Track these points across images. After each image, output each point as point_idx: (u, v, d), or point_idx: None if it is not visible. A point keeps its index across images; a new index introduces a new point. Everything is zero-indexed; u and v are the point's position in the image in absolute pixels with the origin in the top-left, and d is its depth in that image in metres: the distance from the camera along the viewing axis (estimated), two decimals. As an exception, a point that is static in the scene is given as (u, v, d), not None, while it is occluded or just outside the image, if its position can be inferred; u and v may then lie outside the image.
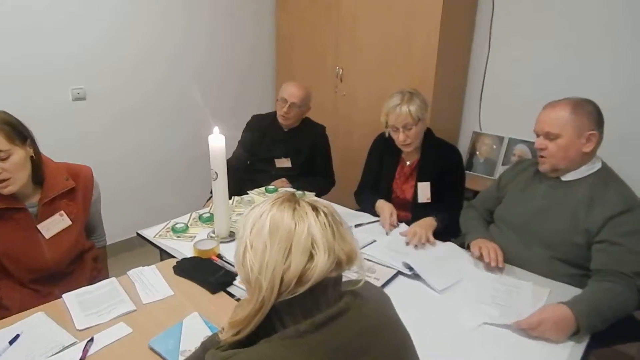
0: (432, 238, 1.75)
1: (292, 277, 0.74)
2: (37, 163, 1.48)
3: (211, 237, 1.76)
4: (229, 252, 1.66)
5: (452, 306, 1.38)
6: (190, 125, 3.20)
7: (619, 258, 1.39)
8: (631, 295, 1.34)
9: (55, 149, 2.59)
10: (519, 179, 1.74)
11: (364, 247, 1.70)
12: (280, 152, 2.48)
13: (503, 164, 2.97)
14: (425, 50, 2.73)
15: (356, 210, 2.14)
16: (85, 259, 1.65)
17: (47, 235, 1.50)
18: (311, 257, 0.76)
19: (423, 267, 1.51)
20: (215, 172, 1.68)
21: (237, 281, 1.45)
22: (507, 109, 2.95)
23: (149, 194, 3.14)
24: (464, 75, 3.08)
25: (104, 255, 1.84)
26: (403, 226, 1.88)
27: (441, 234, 1.83)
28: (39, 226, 1.48)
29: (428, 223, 1.83)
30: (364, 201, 2.13)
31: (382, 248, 1.70)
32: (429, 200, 1.99)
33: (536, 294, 1.42)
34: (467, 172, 3.06)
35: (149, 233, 1.81)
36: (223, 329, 0.81)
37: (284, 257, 0.75)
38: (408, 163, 2.07)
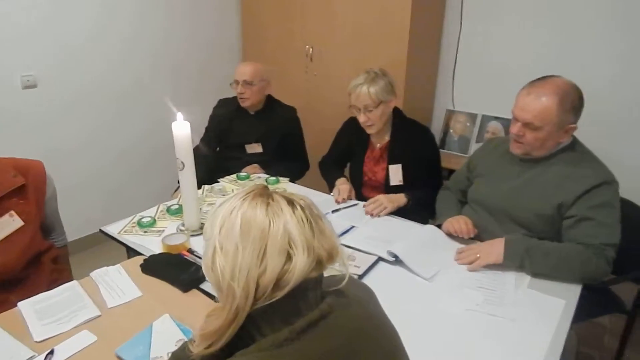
0: (390, 209, 1.77)
1: (269, 281, 0.67)
2: None
3: (181, 230, 1.67)
4: (200, 245, 1.57)
5: (435, 292, 1.34)
6: (152, 111, 3.03)
7: (588, 231, 1.39)
8: (598, 262, 1.35)
9: (8, 140, 2.48)
10: (489, 159, 1.71)
11: (343, 234, 1.64)
12: (251, 137, 2.37)
13: (477, 142, 2.96)
14: (397, 27, 2.65)
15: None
16: (44, 261, 1.53)
17: None
18: (289, 257, 0.68)
19: (408, 254, 1.45)
20: (182, 162, 1.57)
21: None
22: (479, 86, 2.93)
23: (112, 185, 2.98)
24: (437, 52, 3.03)
25: (65, 254, 1.72)
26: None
27: (420, 215, 1.79)
28: None
29: (396, 197, 1.83)
30: (327, 173, 2.12)
31: (362, 234, 1.64)
32: (401, 183, 1.94)
33: (519, 276, 1.40)
34: (441, 150, 3.04)
35: (113, 229, 1.69)
36: (194, 340, 0.73)
37: (258, 260, 0.67)
38: (378, 145, 2.02)
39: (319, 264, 0.72)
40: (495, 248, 1.43)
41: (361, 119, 1.87)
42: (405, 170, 1.93)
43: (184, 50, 3.18)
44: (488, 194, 1.64)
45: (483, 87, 2.91)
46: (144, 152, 3.09)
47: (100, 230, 1.70)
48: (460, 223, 1.56)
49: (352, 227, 1.70)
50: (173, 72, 3.14)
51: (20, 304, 1.24)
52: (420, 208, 1.84)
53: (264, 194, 0.74)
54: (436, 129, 3.14)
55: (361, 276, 1.38)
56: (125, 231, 1.68)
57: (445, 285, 1.36)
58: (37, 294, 1.31)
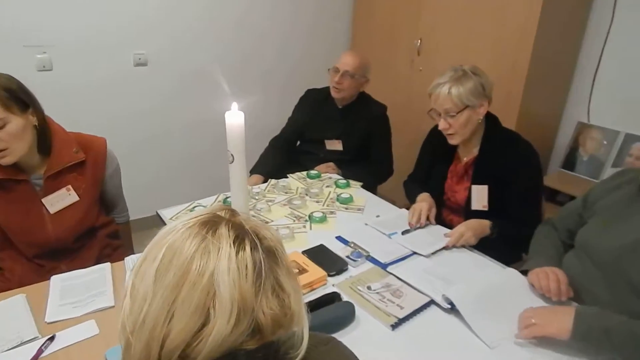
0: (468, 237, 1.45)
1: (174, 347, 0.49)
2: (44, 133, 1.37)
3: (228, 226, 1.57)
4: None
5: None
6: (249, 95, 3.00)
7: None
8: None
9: (116, 115, 2.69)
10: (615, 196, 1.27)
11: (397, 261, 1.38)
12: (332, 133, 2.19)
13: (613, 166, 2.37)
14: (522, 19, 2.21)
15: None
16: (98, 236, 1.56)
17: (52, 210, 1.41)
18: (207, 319, 0.50)
19: (469, 305, 1.14)
20: (232, 154, 1.46)
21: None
22: (627, 97, 2.32)
23: (203, 167, 3.05)
24: (575, 50, 2.48)
25: (127, 231, 1.76)
26: (438, 229, 1.57)
27: (503, 252, 1.43)
28: (43, 200, 1.40)
29: (479, 224, 1.50)
30: (410, 193, 1.81)
31: (421, 265, 1.36)
32: (486, 209, 1.58)
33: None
34: (564, 171, 2.53)
35: (167, 213, 1.68)
36: None
37: (168, 315, 0.50)
38: (465, 160, 1.66)
39: (259, 332, 0.52)
40: (559, 317, 1.06)
41: (441, 125, 1.55)
42: (492, 194, 1.56)
43: (289, 37, 3.11)
44: (603, 242, 1.22)
45: (632, 98, 2.30)
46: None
47: (157, 212, 1.70)
48: (550, 278, 1.18)
49: (413, 253, 1.43)
50: (278, 55, 3.09)
51: (53, 279, 1.26)
52: (506, 243, 1.47)
53: (212, 222, 0.56)
54: (563, 144, 2.61)
55: (401, 320, 1.12)
56: (177, 217, 1.65)
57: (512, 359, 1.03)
58: (87, 266, 1.34)
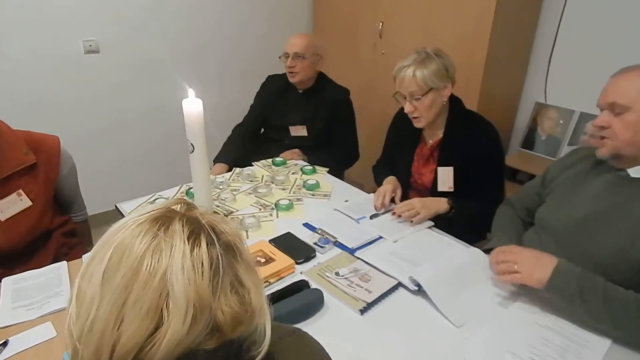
0: (423, 216, 1.48)
1: (125, 352, 0.46)
2: None
3: (191, 217, 1.52)
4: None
5: (464, 346, 1.03)
6: (205, 83, 2.92)
7: None
8: None
9: (66, 104, 2.55)
10: (570, 173, 1.31)
11: (364, 246, 1.38)
12: (295, 119, 2.16)
13: (569, 144, 2.46)
14: (480, 2, 2.23)
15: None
16: (54, 236, 1.47)
17: (2, 217, 1.31)
18: (161, 321, 0.47)
19: (436, 286, 1.16)
20: (191, 144, 1.41)
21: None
22: (582, 77, 2.40)
23: (160, 160, 2.95)
24: (530, 34, 2.53)
25: (86, 229, 1.67)
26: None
27: (465, 233, 1.46)
28: None
29: (435, 202, 1.52)
30: (377, 177, 1.81)
31: (387, 249, 1.37)
32: (451, 189, 1.60)
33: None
34: (524, 150, 2.60)
35: (127, 207, 1.61)
36: None
37: (117, 319, 0.47)
38: (430, 142, 1.68)
39: (218, 330, 0.50)
40: (541, 266, 1.09)
41: (406, 108, 1.55)
42: (457, 175, 1.59)
43: (246, 23, 3.03)
44: (558, 218, 1.26)
45: (587, 78, 2.37)
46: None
47: (116, 206, 1.63)
48: (508, 256, 1.19)
49: (380, 237, 1.43)
50: (231, 44, 3.00)
51: (4, 281, 1.19)
52: (467, 222, 1.50)
53: (164, 218, 0.53)
54: (522, 124, 2.68)
55: (369, 305, 1.13)
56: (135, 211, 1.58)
57: (479, 340, 1.04)
58: (42, 267, 1.26)
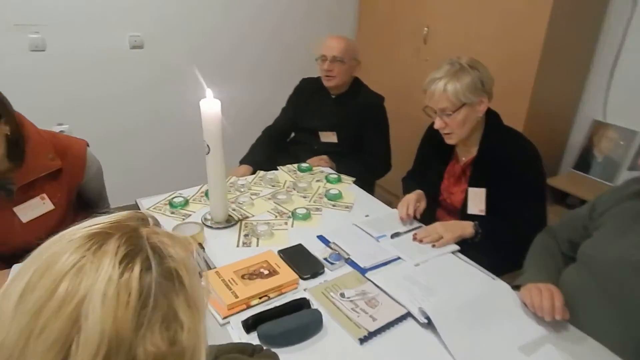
0: (446, 240, 1.36)
1: None
2: (16, 141, 1.25)
3: (205, 220, 1.49)
4: (219, 241, 1.39)
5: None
6: (245, 81, 2.90)
7: None
8: None
9: (110, 97, 2.62)
10: (625, 207, 1.14)
11: (377, 267, 1.28)
12: (325, 124, 2.09)
13: (629, 169, 2.22)
14: (534, 6, 2.06)
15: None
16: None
17: (25, 219, 1.32)
18: (67, 356, 0.41)
19: (446, 321, 1.04)
20: (207, 145, 1.38)
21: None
22: (648, 95, 2.16)
23: (190, 157, 2.95)
24: (591, 43, 2.31)
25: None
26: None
27: (497, 262, 1.32)
28: (15, 209, 1.31)
29: (460, 225, 1.40)
30: (406, 190, 1.69)
31: (401, 272, 1.26)
32: (483, 213, 1.45)
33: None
34: (577, 172, 2.39)
35: (146, 203, 1.61)
36: None
37: (24, 348, 0.41)
38: (463, 160, 1.54)
39: None
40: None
41: (436, 124, 1.43)
42: (491, 197, 1.44)
43: (286, 23, 2.98)
44: (608, 257, 1.10)
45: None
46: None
47: (136, 202, 1.63)
48: (544, 296, 1.06)
49: (397, 258, 1.33)
50: (272, 47, 2.97)
51: (15, 266, 1.20)
52: (496, 249, 1.36)
53: (102, 235, 0.47)
54: (576, 143, 2.45)
55: (371, 334, 1.03)
56: (155, 208, 1.58)
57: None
58: None
